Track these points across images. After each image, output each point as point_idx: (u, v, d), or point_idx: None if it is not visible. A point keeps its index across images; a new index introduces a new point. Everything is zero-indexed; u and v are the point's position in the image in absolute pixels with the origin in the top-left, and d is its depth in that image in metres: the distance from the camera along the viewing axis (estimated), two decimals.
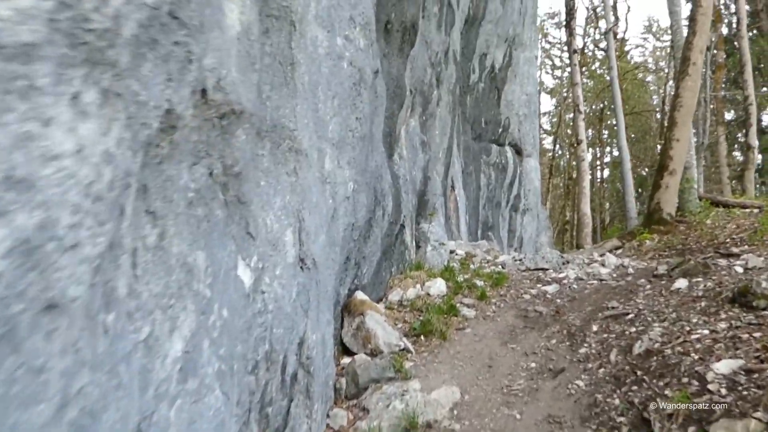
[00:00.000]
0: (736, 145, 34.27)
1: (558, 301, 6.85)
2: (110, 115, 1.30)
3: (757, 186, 23.70)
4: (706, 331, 4.18)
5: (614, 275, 7.73)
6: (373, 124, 6.09)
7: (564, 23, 24.63)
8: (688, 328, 4.37)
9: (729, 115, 32.67)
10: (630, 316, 5.35)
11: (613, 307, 5.84)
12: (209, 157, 2.29)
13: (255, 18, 2.56)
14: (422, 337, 5.89)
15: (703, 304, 4.90)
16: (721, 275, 5.92)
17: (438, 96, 10.74)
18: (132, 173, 1.52)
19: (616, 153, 41.91)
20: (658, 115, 38.50)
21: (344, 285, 5.92)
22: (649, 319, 5.03)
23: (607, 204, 41.50)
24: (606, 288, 6.95)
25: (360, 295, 6.02)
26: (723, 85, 26.68)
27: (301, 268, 3.69)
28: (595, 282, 7.46)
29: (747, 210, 13.02)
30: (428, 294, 7.13)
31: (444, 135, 11.56)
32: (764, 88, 29.31)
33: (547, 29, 39.29)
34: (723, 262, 6.94)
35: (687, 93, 12.09)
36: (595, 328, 5.37)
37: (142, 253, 1.84)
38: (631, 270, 7.85)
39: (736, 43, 28.30)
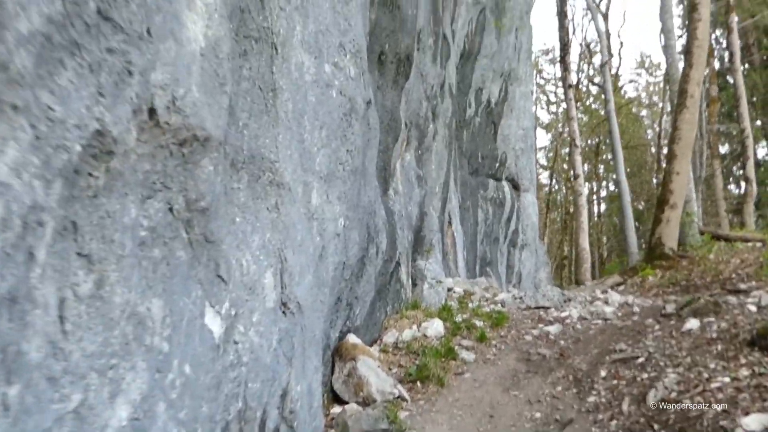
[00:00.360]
0: (731, 179, 34.24)
1: (561, 342, 6.48)
2: (1, 134, 1.00)
3: (756, 219, 23.46)
4: (727, 379, 3.82)
5: (619, 314, 7.38)
6: (366, 157, 5.82)
7: (559, 58, 24.74)
8: (706, 375, 4.02)
9: (723, 149, 32.70)
10: (640, 360, 4.99)
11: (621, 350, 5.49)
12: (167, 190, 1.99)
13: (225, 34, 2.29)
14: (418, 383, 5.51)
15: (719, 347, 4.56)
16: (734, 314, 5.58)
17: (434, 130, 10.53)
18: (45, 208, 1.21)
19: (612, 187, 41.90)
20: (653, 149, 38.55)
21: (335, 327, 5.56)
22: (662, 363, 4.68)
23: (605, 238, 41.24)
24: (612, 328, 6.59)
25: (352, 338, 5.66)
26: (717, 119, 26.69)
27: (284, 312, 3.35)
28: (599, 322, 7.11)
29: (749, 244, 12.73)
30: (425, 335, 6.76)
31: (440, 169, 11.32)
32: (758, 122, 29.37)
33: (541, 65, 39.63)
34: (733, 299, 6.60)
35: (685, 126, 11.92)
36: (603, 373, 5.00)
37: (73, 305, 1.52)
38: (636, 308, 7.50)
39: (729, 77, 28.51)
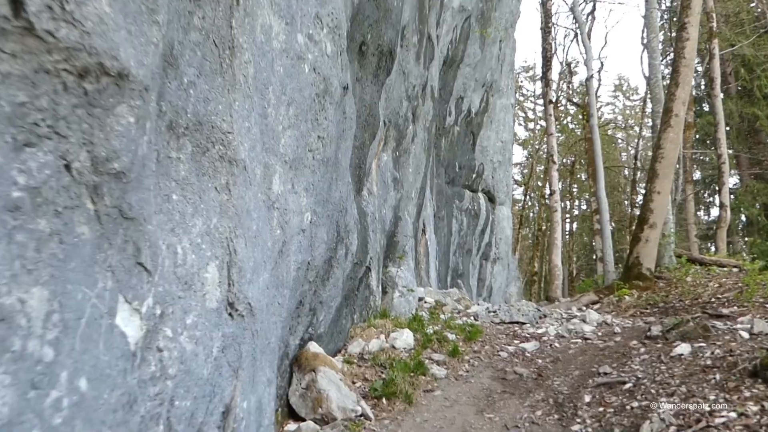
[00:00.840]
0: (700, 205, 34.62)
1: (539, 361, 6.04)
2: None
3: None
4: (734, 414, 3.39)
5: (599, 333, 6.97)
6: (339, 149, 5.31)
7: (540, 74, 24.62)
8: (707, 408, 3.59)
9: (695, 175, 33.03)
10: (628, 385, 4.56)
11: (605, 373, 5.05)
12: (61, 140, 1.45)
13: None
14: (384, 400, 5.00)
15: (717, 376, 4.13)
16: (725, 340, 5.19)
17: (413, 132, 10.07)
18: None
19: (585, 207, 42.06)
20: (626, 172, 38.83)
21: (295, 334, 5.02)
22: (653, 391, 4.25)
23: (575, 257, 41.33)
24: (593, 349, 6.17)
25: (313, 347, 5.12)
26: (691, 145, 26.84)
27: (230, 315, 2.81)
28: (579, 341, 6.68)
29: (725, 268, 12.54)
30: (393, 347, 6.25)
31: (418, 174, 10.85)
32: (730, 150, 29.67)
33: (521, 81, 39.65)
34: (720, 324, 6.24)
35: (669, 145, 11.67)
36: (587, 398, 4.55)
37: None
38: (617, 329, 7.10)
39: (705, 104, 28.75)
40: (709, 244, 30.73)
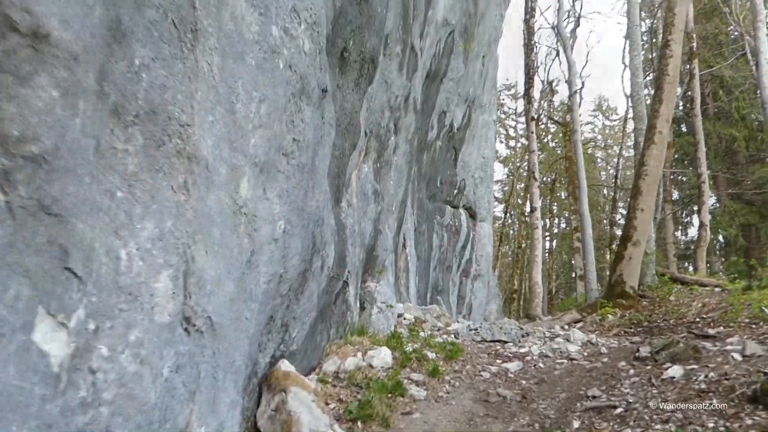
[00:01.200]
0: (678, 225, 34.85)
1: (523, 382, 5.77)
2: None
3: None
4: None
5: (585, 354, 6.73)
6: (317, 155, 5.03)
7: (523, 91, 24.67)
8: None
9: (673, 195, 33.26)
10: (619, 410, 4.30)
11: (594, 397, 4.79)
12: None
13: None
14: (359, 423, 4.68)
15: (714, 402, 3.89)
16: (718, 363, 4.97)
17: (395, 143, 9.83)
18: None
19: (564, 225, 42.20)
20: (605, 191, 39.07)
21: (265, 351, 4.68)
22: (646, 417, 3.99)
23: (555, 275, 41.37)
24: (579, 370, 5.92)
25: (284, 366, 4.79)
26: (670, 165, 27.05)
27: (186, 330, 2.50)
28: (564, 361, 6.43)
29: (707, 288, 12.47)
30: (370, 365, 5.94)
31: (399, 187, 10.60)
32: (708, 170, 29.95)
33: (502, 99, 39.83)
34: (710, 345, 6.04)
35: (652, 161, 11.59)
36: (576, 424, 4.28)
37: None
38: (603, 349, 6.86)
39: (683, 125, 29.05)
40: (687, 264, 30.88)
